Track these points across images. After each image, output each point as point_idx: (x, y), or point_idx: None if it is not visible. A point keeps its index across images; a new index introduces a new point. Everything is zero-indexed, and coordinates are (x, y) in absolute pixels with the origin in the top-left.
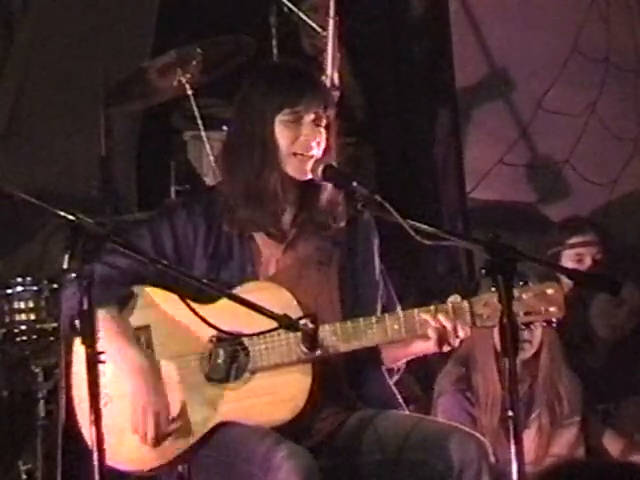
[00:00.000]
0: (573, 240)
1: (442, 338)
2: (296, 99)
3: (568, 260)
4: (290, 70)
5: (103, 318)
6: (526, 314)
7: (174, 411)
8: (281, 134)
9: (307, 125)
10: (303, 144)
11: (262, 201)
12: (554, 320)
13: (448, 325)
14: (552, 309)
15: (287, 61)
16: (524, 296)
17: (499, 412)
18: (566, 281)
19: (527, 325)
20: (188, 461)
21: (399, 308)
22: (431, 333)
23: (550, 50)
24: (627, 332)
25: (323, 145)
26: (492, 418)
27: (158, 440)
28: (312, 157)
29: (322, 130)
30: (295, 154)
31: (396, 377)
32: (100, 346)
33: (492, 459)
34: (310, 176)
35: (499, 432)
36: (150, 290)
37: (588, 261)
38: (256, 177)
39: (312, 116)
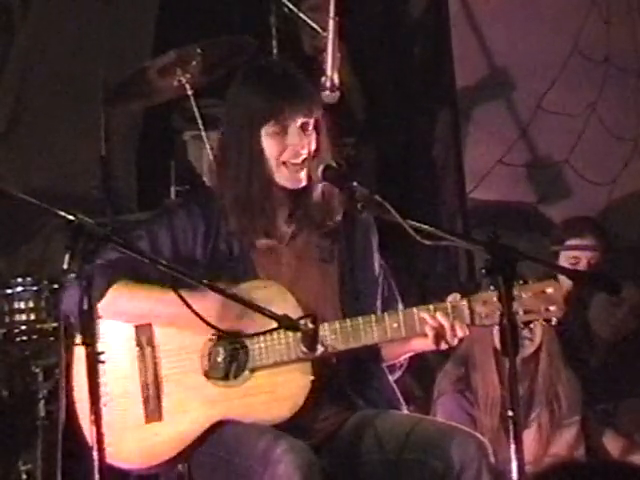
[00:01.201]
0: (571, 242)
1: (440, 336)
2: (280, 110)
3: (564, 261)
4: (274, 77)
5: (117, 290)
6: (525, 313)
7: (173, 409)
8: (268, 145)
9: (293, 133)
10: (291, 153)
11: (252, 211)
12: (553, 319)
13: (446, 323)
14: (551, 308)
15: (271, 65)
16: (523, 295)
17: (499, 412)
18: (563, 279)
19: (526, 324)
20: (187, 459)
21: (400, 304)
22: (428, 331)
23: (550, 50)
24: (627, 332)
25: (313, 147)
26: (492, 418)
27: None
28: (303, 163)
29: (309, 133)
30: (284, 163)
31: (399, 373)
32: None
33: (492, 459)
34: (304, 184)
35: (499, 432)
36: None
37: (583, 264)
38: (244, 188)
39: (298, 123)
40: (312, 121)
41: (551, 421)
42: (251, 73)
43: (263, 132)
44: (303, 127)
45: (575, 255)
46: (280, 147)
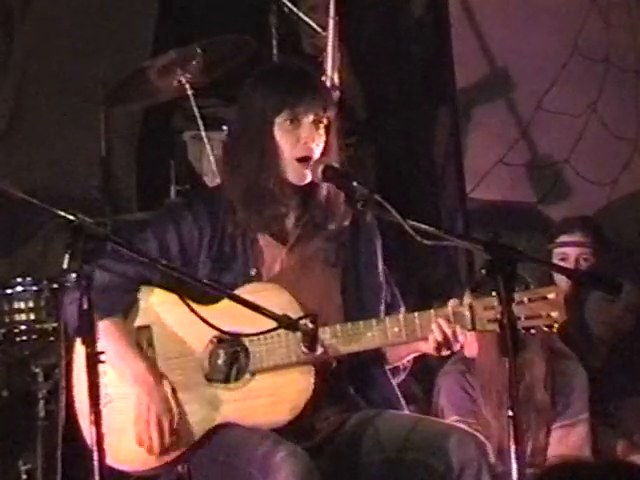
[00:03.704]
0: (560, 239)
1: (441, 344)
2: (295, 102)
3: (555, 259)
4: (290, 72)
5: (105, 327)
6: (527, 318)
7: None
8: (280, 137)
9: (306, 127)
10: (303, 147)
11: (262, 204)
12: (555, 325)
13: (448, 331)
14: (553, 314)
15: (288, 62)
16: (525, 300)
17: (496, 392)
18: (559, 278)
19: (527, 329)
20: (187, 461)
21: (403, 308)
22: (431, 341)
23: (550, 50)
24: (624, 330)
25: (321, 146)
26: (490, 399)
27: (162, 449)
28: (311, 159)
29: (321, 132)
30: (297, 159)
31: (402, 375)
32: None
33: (492, 459)
34: (309, 179)
35: (498, 413)
36: (152, 290)
37: (571, 260)
38: (255, 180)
39: (311, 118)
40: (325, 119)
41: (527, 422)
42: (266, 70)
43: (276, 122)
44: (315, 123)
45: (563, 251)
46: (292, 140)
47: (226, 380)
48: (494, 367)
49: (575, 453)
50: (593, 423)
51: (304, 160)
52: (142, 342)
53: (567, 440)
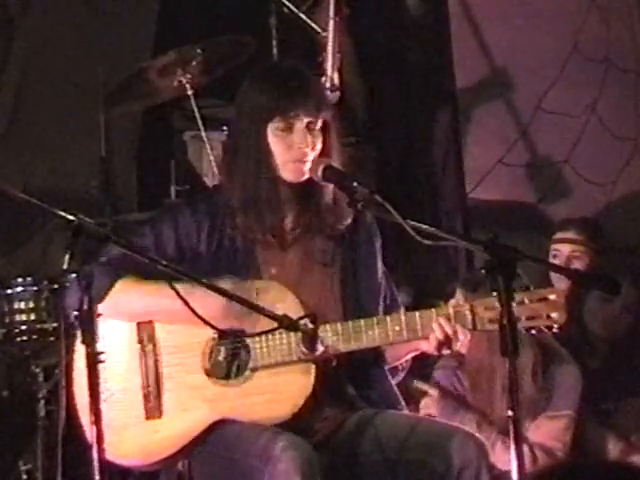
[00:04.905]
0: (555, 236)
1: (442, 343)
2: (286, 108)
3: (549, 256)
4: (282, 74)
5: (122, 285)
6: (528, 319)
7: (173, 407)
8: (274, 143)
9: (299, 132)
10: (296, 152)
11: (260, 209)
12: (555, 326)
13: (449, 330)
14: (553, 315)
15: (281, 64)
16: (526, 301)
17: (485, 388)
18: (557, 278)
19: (528, 330)
20: (187, 456)
21: (402, 309)
22: (432, 340)
23: (550, 50)
24: (621, 330)
25: (318, 147)
26: (479, 393)
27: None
28: (307, 161)
29: (316, 133)
30: (290, 161)
31: (401, 375)
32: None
33: (491, 459)
34: (307, 176)
35: (485, 409)
36: None
37: (563, 258)
38: (252, 185)
39: (304, 122)
40: (319, 121)
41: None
42: (260, 72)
43: (269, 130)
44: (309, 126)
45: (556, 248)
46: (285, 145)
47: (226, 376)
48: (483, 362)
49: (550, 443)
50: (593, 424)
51: (299, 162)
52: (144, 337)
53: (544, 429)
